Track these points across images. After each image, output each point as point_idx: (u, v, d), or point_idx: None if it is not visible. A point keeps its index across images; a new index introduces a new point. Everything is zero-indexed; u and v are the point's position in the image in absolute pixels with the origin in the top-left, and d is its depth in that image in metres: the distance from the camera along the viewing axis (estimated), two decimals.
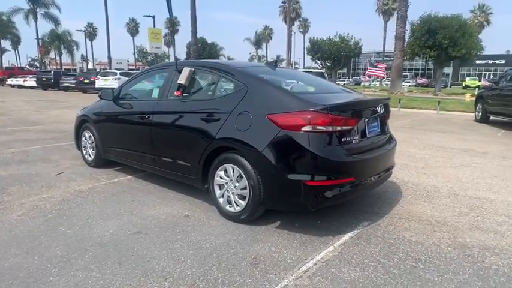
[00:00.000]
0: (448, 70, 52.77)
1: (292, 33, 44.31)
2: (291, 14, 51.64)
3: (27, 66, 57.41)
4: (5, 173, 4.44)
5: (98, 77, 22.53)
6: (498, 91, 9.80)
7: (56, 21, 49.06)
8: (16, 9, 47.51)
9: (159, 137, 3.65)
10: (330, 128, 2.67)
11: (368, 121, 3.08)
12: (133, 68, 55.01)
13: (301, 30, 73.06)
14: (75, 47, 58.66)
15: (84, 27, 65.03)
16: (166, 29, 64.13)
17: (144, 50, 65.88)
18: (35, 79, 29.17)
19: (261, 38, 79.42)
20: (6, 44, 57.55)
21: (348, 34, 39.19)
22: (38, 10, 47.74)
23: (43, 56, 57.20)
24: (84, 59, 67.86)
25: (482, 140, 7.42)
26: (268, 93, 2.96)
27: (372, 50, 61.44)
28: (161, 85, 3.84)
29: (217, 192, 3.15)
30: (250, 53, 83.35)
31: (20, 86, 31.10)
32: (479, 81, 45.18)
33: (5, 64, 53.78)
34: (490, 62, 55.87)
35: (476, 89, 28.45)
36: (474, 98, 12.90)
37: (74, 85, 25.37)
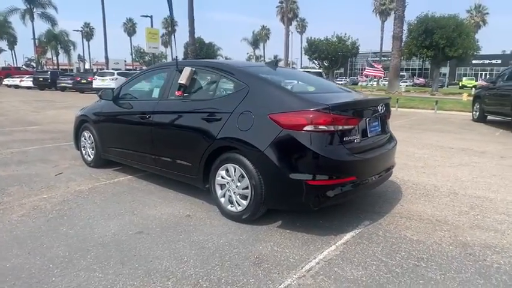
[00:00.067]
0: (445, 70, 52.99)
1: (290, 33, 44.30)
2: (289, 14, 51.61)
3: (23, 66, 57.08)
4: (4, 174, 4.42)
5: (95, 77, 22.46)
6: (495, 91, 9.86)
7: (52, 21, 48.79)
8: (12, 9, 47.21)
9: (159, 136, 3.64)
10: (331, 128, 2.68)
11: (369, 120, 3.09)
12: (131, 68, 54.86)
13: (298, 30, 73.09)
14: (72, 47, 58.38)
15: (81, 27, 64.74)
16: (163, 29, 63.98)
17: (142, 50, 65.84)
18: (31, 79, 29.01)
19: (258, 38, 79.38)
20: (3, 44, 57.36)
21: (346, 34, 39.29)
22: (34, 10, 47.44)
23: (40, 56, 56.92)
24: (81, 59, 67.58)
25: (480, 140, 7.46)
26: (270, 93, 2.97)
27: (369, 50, 61.54)
28: (162, 85, 3.83)
29: (219, 192, 3.15)
30: (247, 53, 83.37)
31: (16, 86, 30.92)
32: (476, 81, 45.43)
33: (2, 64, 53.40)
34: (486, 62, 56.18)
35: (473, 88, 28.59)
36: (471, 98, 12.98)
37: (71, 85, 25.28)
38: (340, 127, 2.73)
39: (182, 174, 3.49)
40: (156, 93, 3.96)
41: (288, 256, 2.48)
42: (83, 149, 4.86)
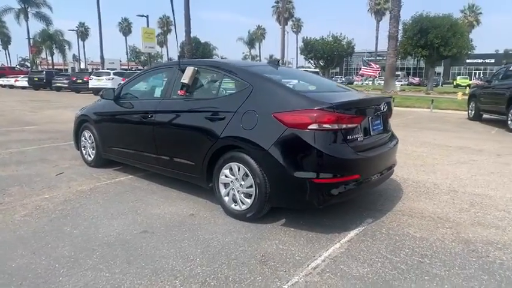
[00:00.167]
0: (439, 69, 53.41)
1: (286, 33, 44.37)
2: (284, 14, 51.69)
3: (18, 66, 56.64)
4: (4, 174, 4.39)
5: (91, 76, 22.31)
6: (490, 89, 9.97)
7: (47, 20, 48.49)
8: (7, 8, 46.85)
9: (162, 136, 3.64)
10: (335, 126, 2.70)
11: (371, 119, 3.11)
12: (126, 68, 54.57)
13: (294, 30, 73.23)
14: (67, 47, 58.07)
15: (76, 27, 64.31)
16: (159, 28, 63.80)
17: (137, 50, 65.51)
18: (26, 79, 28.80)
19: (254, 38, 79.35)
20: None
21: (341, 34, 39.43)
22: (29, 9, 47.11)
23: (34, 56, 56.48)
24: (76, 58, 67.21)
25: (477, 138, 7.53)
26: (274, 92, 2.98)
27: (365, 50, 61.84)
28: (164, 84, 3.83)
29: (223, 190, 3.16)
30: (243, 53, 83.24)
31: (11, 86, 30.70)
32: (470, 80, 45.81)
33: None
34: (480, 61, 56.71)
35: (467, 87, 28.83)
36: (466, 97, 13.08)
37: (66, 85, 25.12)
38: (344, 126, 2.75)
39: (185, 173, 3.49)
40: (158, 93, 3.96)
41: (294, 254, 2.50)
42: (83, 148, 4.84)
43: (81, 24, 70.76)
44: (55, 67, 58.98)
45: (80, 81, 23.56)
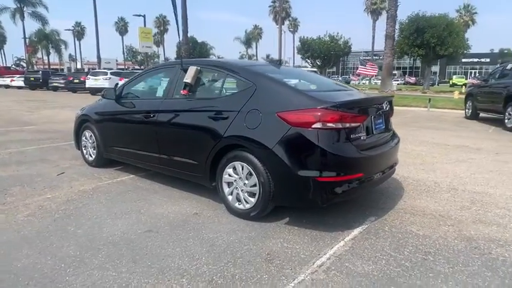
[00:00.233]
0: (435, 68, 53.65)
1: (283, 32, 44.36)
2: (281, 13, 51.68)
3: (13, 66, 56.29)
4: (4, 174, 4.37)
5: (88, 76, 22.23)
6: (487, 88, 10.04)
7: (43, 20, 48.15)
8: (2, 8, 46.48)
9: (164, 135, 3.64)
10: (339, 125, 2.72)
11: (374, 118, 3.14)
12: (123, 67, 54.38)
13: (291, 29, 73.23)
14: (63, 47, 57.78)
15: (72, 27, 64.05)
16: (156, 28, 63.59)
17: (134, 50, 65.30)
18: (22, 79, 28.65)
19: (251, 37, 79.25)
20: None
21: (338, 33, 39.50)
22: (25, 9, 46.76)
23: (31, 56, 56.13)
24: (72, 58, 66.88)
25: (475, 137, 7.59)
26: (277, 91, 2.99)
27: (361, 49, 61.96)
28: (166, 84, 3.83)
29: (226, 190, 3.17)
30: (240, 52, 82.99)
31: (7, 86, 30.51)
32: (466, 79, 46.10)
33: None
34: (476, 60, 57.06)
35: (463, 86, 28.98)
36: (462, 96, 13.16)
37: (63, 85, 25.02)
38: (347, 124, 2.77)
39: (188, 173, 3.50)
40: (160, 92, 3.95)
41: (299, 252, 2.51)
42: (84, 148, 4.83)
43: (78, 24, 70.51)
44: (51, 67, 58.66)
45: (77, 81, 23.49)
